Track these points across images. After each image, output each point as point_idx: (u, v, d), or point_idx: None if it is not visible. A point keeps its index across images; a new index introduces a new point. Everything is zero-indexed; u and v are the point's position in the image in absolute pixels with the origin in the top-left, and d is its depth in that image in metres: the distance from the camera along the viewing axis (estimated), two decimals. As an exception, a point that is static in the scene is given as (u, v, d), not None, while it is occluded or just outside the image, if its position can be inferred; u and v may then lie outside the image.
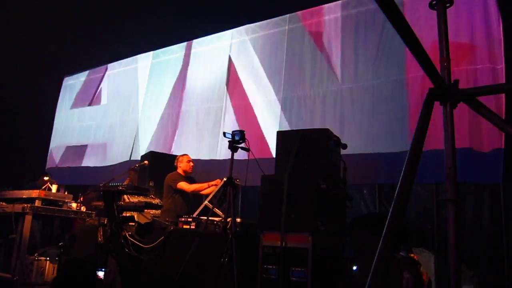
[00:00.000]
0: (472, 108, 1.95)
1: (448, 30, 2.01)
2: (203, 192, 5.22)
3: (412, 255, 5.62)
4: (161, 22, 7.88)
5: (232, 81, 7.55)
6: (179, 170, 5.51)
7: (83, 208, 6.41)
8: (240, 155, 4.47)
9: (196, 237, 3.91)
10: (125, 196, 4.79)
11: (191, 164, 5.61)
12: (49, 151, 10.34)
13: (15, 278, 5.20)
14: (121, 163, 8.39)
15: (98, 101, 9.77)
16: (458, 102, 1.90)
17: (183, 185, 5.28)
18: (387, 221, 1.54)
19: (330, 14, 6.69)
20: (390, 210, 1.56)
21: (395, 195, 1.60)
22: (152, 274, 4.29)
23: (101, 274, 4.37)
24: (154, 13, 7.83)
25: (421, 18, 5.43)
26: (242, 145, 4.25)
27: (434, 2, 2.02)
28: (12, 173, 7.91)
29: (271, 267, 3.77)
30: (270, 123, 6.82)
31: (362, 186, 6.56)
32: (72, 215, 6.20)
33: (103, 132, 9.25)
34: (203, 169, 6.79)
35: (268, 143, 6.62)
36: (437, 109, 1.92)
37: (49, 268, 5.59)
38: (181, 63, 8.39)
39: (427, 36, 4.51)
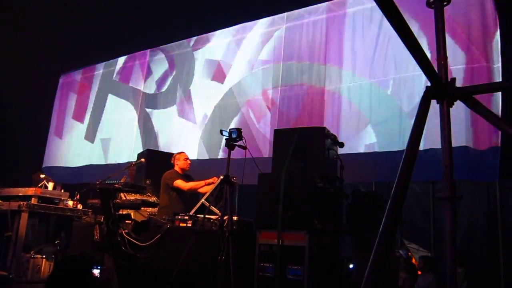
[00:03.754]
0: (468, 107, 1.95)
1: (445, 29, 2.01)
2: (200, 190, 5.21)
3: (410, 253, 5.65)
4: (161, 19, 7.88)
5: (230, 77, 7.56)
6: (176, 168, 5.49)
7: (79, 206, 6.38)
8: (238, 153, 4.46)
9: (193, 235, 3.90)
10: (122, 194, 4.77)
11: (188, 161, 5.59)
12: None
13: (10, 276, 5.18)
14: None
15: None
16: (455, 101, 1.90)
17: (179, 183, 5.27)
18: (383, 220, 1.54)
19: (329, 13, 6.69)
20: (387, 208, 1.56)
21: (392, 193, 1.60)
22: (148, 272, 4.28)
23: (96, 271, 4.36)
24: (151, 11, 7.82)
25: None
26: (239, 143, 4.23)
27: (431, 1, 2.01)
28: (8, 171, 7.87)
29: (267, 265, 3.77)
30: (267, 121, 6.82)
31: (359, 185, 6.57)
32: (68, 213, 6.17)
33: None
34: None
35: (265, 142, 6.63)
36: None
37: (45, 266, 5.56)
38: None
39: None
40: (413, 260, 5.51)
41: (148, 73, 8.93)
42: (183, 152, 5.72)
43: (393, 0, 1.38)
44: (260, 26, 7.41)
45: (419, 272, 5.12)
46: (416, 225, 6.01)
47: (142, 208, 4.82)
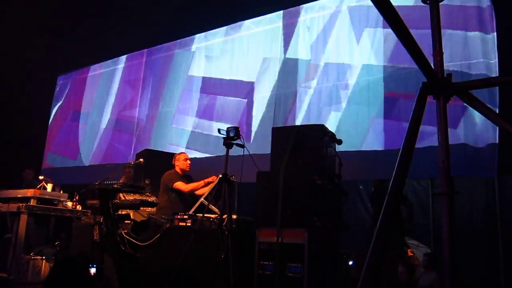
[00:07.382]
0: (465, 102, 1.95)
1: (441, 25, 2.01)
2: (200, 191, 5.17)
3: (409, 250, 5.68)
4: (152, 20, 7.88)
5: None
6: (176, 169, 5.46)
7: (78, 207, 6.38)
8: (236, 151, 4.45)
9: (192, 234, 3.90)
10: (121, 194, 4.76)
11: (188, 162, 5.55)
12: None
13: (11, 278, 5.18)
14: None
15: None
16: (451, 96, 1.91)
17: (179, 185, 5.24)
18: (380, 215, 1.54)
19: (326, 10, 6.69)
20: (384, 204, 1.57)
21: (389, 189, 1.60)
22: (148, 271, 4.28)
23: (93, 270, 4.33)
24: (145, 11, 7.83)
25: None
26: (237, 141, 4.23)
27: (427, -3, 2.02)
28: (7, 173, 7.86)
29: (267, 263, 3.77)
30: (265, 119, 6.82)
31: (358, 182, 6.58)
32: (68, 214, 6.16)
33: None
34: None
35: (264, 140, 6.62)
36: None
37: (45, 267, 5.54)
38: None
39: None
40: (409, 254, 5.58)
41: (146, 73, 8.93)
42: (183, 153, 5.69)
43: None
44: (256, 23, 7.41)
45: (423, 269, 5.10)
46: (415, 221, 6.02)
47: (142, 208, 4.81)
